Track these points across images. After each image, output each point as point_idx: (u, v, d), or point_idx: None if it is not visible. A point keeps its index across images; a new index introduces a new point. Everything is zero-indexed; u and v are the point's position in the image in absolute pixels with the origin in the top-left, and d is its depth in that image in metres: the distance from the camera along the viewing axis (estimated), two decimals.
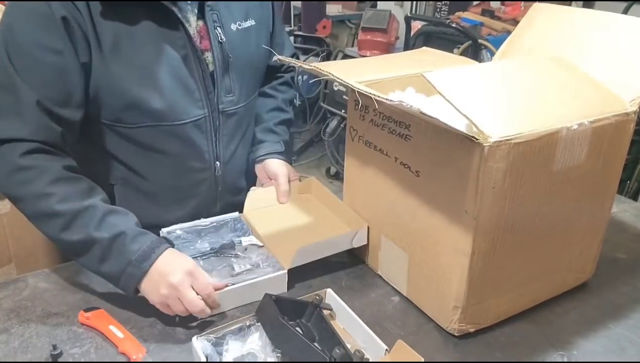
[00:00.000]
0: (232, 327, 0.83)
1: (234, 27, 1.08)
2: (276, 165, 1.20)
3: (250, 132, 1.23)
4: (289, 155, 1.26)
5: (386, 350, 0.79)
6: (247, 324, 0.84)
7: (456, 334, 0.87)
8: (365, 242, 1.03)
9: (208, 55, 1.04)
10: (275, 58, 0.97)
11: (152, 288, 0.87)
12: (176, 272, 0.86)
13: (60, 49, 0.90)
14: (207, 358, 0.78)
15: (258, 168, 1.23)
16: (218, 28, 1.05)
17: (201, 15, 1.03)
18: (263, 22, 1.16)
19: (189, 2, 1.01)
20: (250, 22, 1.12)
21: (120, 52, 0.94)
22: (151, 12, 0.95)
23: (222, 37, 1.05)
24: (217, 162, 1.12)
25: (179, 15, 0.97)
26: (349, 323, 0.87)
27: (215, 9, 1.05)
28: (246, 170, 1.23)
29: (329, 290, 0.90)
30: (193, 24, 1.02)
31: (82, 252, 0.89)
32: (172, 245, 0.93)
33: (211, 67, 1.05)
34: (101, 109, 0.98)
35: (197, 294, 0.86)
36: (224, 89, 1.08)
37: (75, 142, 0.99)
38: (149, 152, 1.04)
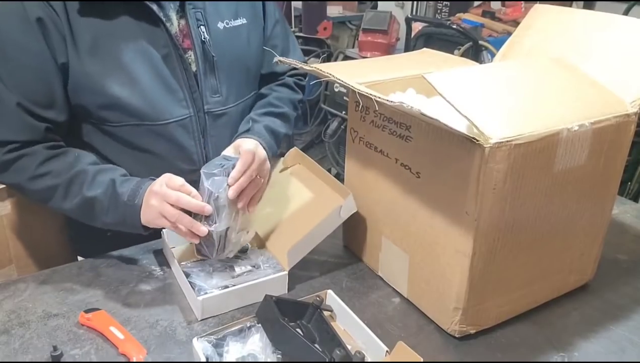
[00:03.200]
0: (233, 328, 0.83)
1: (221, 25, 1.06)
2: (245, 143, 1.02)
3: None
4: (268, 140, 1.10)
5: (387, 351, 0.79)
6: (248, 325, 0.84)
7: (457, 335, 0.87)
8: (355, 210, 1.00)
9: (190, 55, 1.03)
10: (275, 59, 0.97)
11: (147, 211, 0.92)
12: (156, 184, 0.92)
13: (38, 51, 0.90)
14: (207, 359, 0.78)
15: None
16: (201, 27, 1.03)
17: (183, 13, 1.01)
18: (256, 20, 1.14)
19: (170, 0, 0.99)
20: (240, 21, 1.09)
21: (99, 51, 0.93)
22: (131, 11, 0.95)
23: (206, 35, 1.03)
24: None
25: (160, 14, 0.96)
26: (349, 325, 0.87)
27: (199, 7, 1.03)
28: None
29: (330, 292, 0.90)
30: (175, 22, 1.01)
31: (89, 213, 0.96)
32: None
33: (194, 67, 1.03)
34: (84, 108, 0.98)
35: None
36: (210, 89, 1.06)
37: (65, 141, 1.00)
38: (137, 152, 1.04)
